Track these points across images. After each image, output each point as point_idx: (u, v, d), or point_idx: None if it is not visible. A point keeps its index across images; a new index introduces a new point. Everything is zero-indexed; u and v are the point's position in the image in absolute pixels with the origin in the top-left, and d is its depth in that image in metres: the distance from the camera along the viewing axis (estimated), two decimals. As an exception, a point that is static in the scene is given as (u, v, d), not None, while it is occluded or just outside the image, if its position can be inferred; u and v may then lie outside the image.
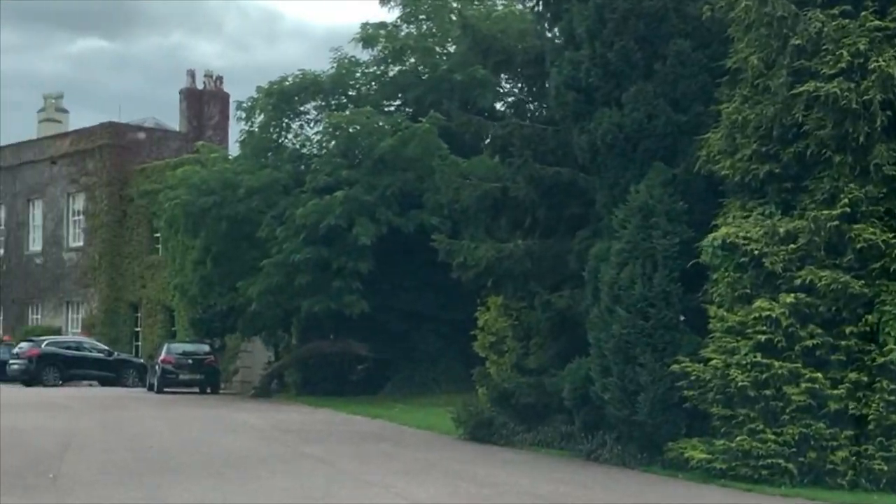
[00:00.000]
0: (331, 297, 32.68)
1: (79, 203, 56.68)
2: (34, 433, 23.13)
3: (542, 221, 21.52)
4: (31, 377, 45.96)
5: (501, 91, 32.53)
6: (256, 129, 36.64)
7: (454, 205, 23.04)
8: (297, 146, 36.71)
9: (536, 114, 22.83)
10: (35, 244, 59.33)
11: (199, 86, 57.36)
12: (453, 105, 28.95)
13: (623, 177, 18.32)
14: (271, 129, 36.75)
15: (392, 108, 36.77)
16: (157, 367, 40.37)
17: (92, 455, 19.08)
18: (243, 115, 36.76)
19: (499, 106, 32.75)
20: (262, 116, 36.60)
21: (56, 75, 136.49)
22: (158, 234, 52.79)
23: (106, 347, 48.31)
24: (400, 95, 36.78)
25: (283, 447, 19.90)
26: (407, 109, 36.10)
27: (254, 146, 36.18)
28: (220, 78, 57.64)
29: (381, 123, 33.49)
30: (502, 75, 24.56)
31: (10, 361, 46.80)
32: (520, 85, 23.48)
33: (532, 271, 21.35)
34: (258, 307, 34.50)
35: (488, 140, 23.48)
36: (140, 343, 53.49)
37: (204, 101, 56.90)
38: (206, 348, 41.54)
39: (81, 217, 56.25)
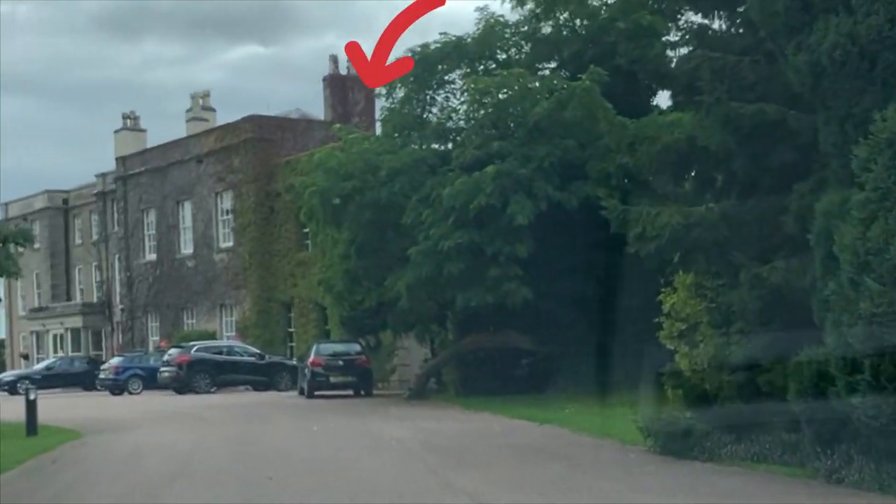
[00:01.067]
0: (487, 288, 28.32)
1: (226, 201, 53.76)
2: (152, 455, 19.84)
3: (740, 176, 16.79)
4: (181, 384, 43.03)
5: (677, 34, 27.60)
6: (397, 105, 32.56)
7: (628, 166, 18.40)
8: (443, 120, 32.41)
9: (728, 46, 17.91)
10: (186, 247, 56.72)
11: (343, 72, 53.78)
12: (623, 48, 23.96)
13: (858, 104, 13.48)
14: (414, 104, 32.61)
15: (546, 72, 32.20)
16: (306, 369, 36.76)
17: (199, 488, 15.25)
18: (383, 90, 32.73)
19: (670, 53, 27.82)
20: (403, 91, 32.50)
21: (214, 83, 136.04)
22: (307, 230, 49.47)
23: (257, 351, 45.06)
24: (556, 57, 32.19)
25: (429, 475, 15.57)
26: (564, 72, 31.47)
27: (395, 123, 32.09)
28: (364, 63, 53.90)
29: (535, 85, 29.01)
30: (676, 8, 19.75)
31: (161, 369, 44.01)
32: (700, 15, 18.67)
33: (731, 239, 16.60)
34: (408, 302, 30.40)
35: (659, 93, 18.70)
36: (294, 344, 50.19)
37: (348, 87, 53.26)
38: (357, 348, 37.72)
39: (230, 216, 53.31)
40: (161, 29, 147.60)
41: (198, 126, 58.89)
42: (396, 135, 31.95)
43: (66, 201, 70.88)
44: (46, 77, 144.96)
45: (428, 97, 32.55)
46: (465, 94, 30.94)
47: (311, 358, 36.66)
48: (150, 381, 45.40)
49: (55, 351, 66.71)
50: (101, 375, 48.11)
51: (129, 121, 66.28)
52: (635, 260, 18.94)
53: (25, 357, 69.91)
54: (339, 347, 37.82)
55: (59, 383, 54.61)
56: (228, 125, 53.71)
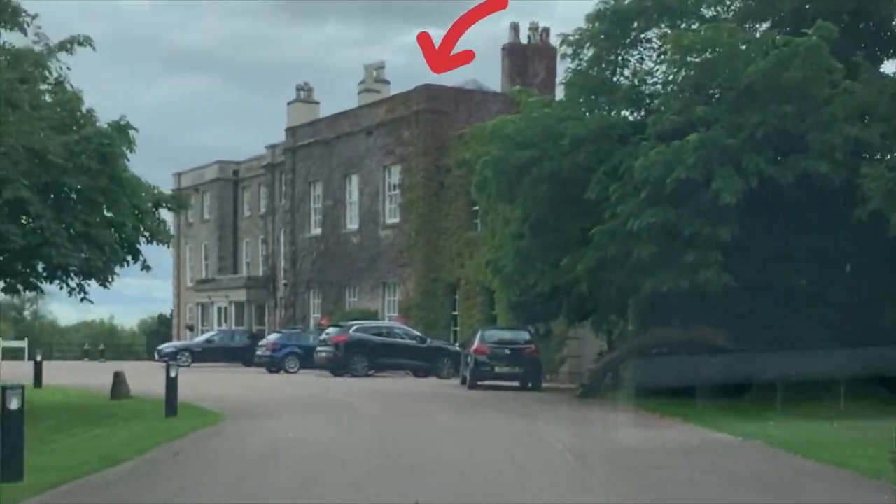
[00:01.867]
0: (682, 273, 24.09)
1: (395, 176, 50.61)
2: (286, 454, 16.91)
3: None
4: (338, 365, 40.04)
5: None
6: (584, 65, 28.53)
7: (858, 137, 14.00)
8: (636, 83, 28.21)
9: None
10: (352, 222, 53.84)
11: (524, 41, 49.96)
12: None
13: None
14: (603, 65, 28.54)
15: (759, 34, 27.67)
16: (469, 357, 33.16)
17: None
18: (569, 50, 28.73)
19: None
20: (591, 51, 28.47)
21: (391, 66, 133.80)
22: (477, 207, 45.91)
23: (418, 334, 41.74)
24: (771, 14, 27.65)
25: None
26: (779, 32, 26.88)
27: (581, 86, 28.07)
28: (545, 30, 49.98)
29: (748, 44, 24.64)
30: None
31: (318, 348, 41.11)
32: None
33: None
34: (587, 287, 26.43)
35: None
36: (458, 328, 46.72)
37: (528, 56, 49.42)
38: (526, 336, 33.93)
39: (397, 191, 50.13)
40: (341, 11, 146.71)
41: (370, 98, 55.85)
42: (581, 99, 27.96)
43: (236, 172, 69.12)
44: (229, 56, 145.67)
45: (619, 58, 28.41)
46: (665, 53, 26.63)
47: (476, 345, 33.03)
48: (308, 359, 42.58)
49: (219, 324, 64.97)
50: (259, 352, 45.58)
51: (302, 92, 63.92)
52: (861, 248, 14.59)
53: (190, 329, 68.49)
54: (507, 335, 34.11)
55: (218, 357, 52.54)
56: (400, 95, 50.49)
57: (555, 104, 28.46)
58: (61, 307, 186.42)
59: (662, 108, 25.70)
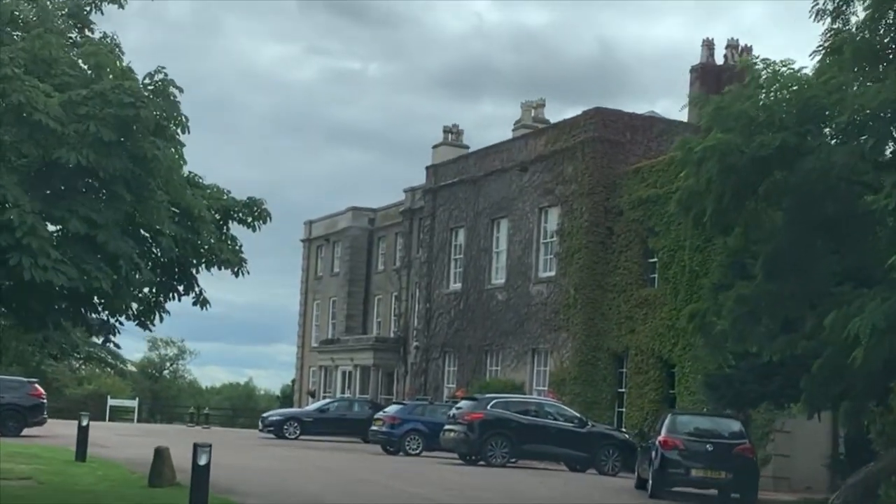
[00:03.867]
0: None
1: (552, 220, 40.98)
2: None
3: None
4: (470, 449, 30.41)
5: None
6: (853, 29, 18.56)
7: None
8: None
9: None
10: (497, 275, 44.31)
11: (719, 60, 40.07)
12: None
13: None
14: (881, 31, 18.52)
15: None
16: (653, 451, 23.02)
17: None
18: (828, 6, 18.82)
19: None
20: (863, 11, 18.52)
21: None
22: (655, 259, 35.91)
23: (577, 415, 31.74)
24: None
25: None
26: None
27: (854, 52, 18.02)
28: (746, 49, 39.96)
29: None
30: None
31: (446, 426, 31.47)
32: None
33: None
34: (865, 355, 16.17)
35: None
36: (623, 409, 36.58)
37: (723, 80, 39.38)
38: (736, 427, 23.54)
39: (554, 239, 40.45)
40: (498, 90, 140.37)
41: (525, 135, 46.55)
42: (856, 69, 17.92)
43: (371, 221, 60.45)
44: (387, 131, 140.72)
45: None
46: None
47: (663, 435, 22.86)
48: (434, 438, 33.03)
49: (343, 391, 56.01)
50: (374, 426, 36.16)
51: (450, 135, 55.09)
52: None
53: (312, 395, 59.65)
54: (706, 423, 23.84)
55: (332, 429, 43.36)
56: (565, 122, 40.83)
57: (814, 73, 18.33)
58: (206, 368, 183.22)
59: None
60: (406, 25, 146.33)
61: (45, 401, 37.82)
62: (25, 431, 35.30)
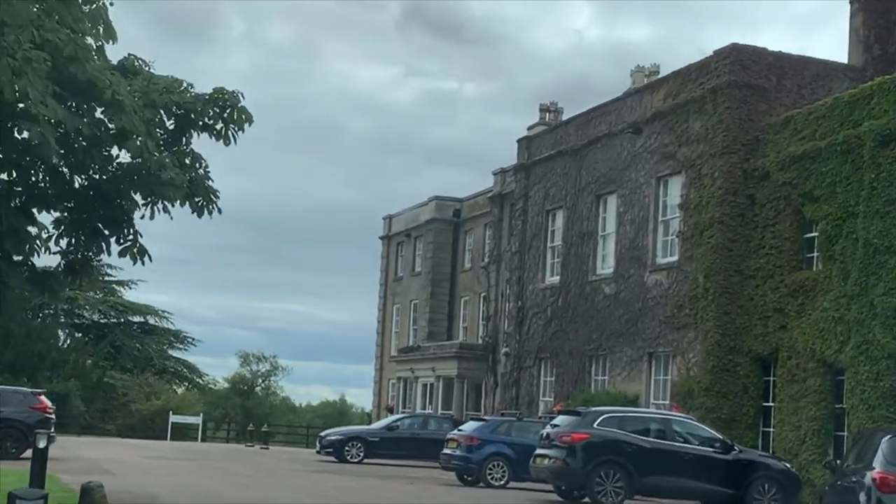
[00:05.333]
0: None
1: (673, 192, 32.65)
2: None
3: None
4: (571, 481, 22.33)
5: None
6: None
7: None
8: None
9: None
10: (604, 264, 36.05)
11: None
12: None
13: None
14: None
15: None
16: (862, 493, 14.54)
17: None
18: None
19: None
20: None
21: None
22: (814, 232, 27.41)
23: (717, 435, 23.32)
24: None
25: None
26: None
27: None
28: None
29: None
30: None
31: (538, 451, 23.30)
32: None
33: None
34: None
35: None
36: (771, 429, 28.02)
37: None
38: None
39: (677, 215, 32.10)
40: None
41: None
42: None
43: (457, 213, 52.57)
44: (484, 151, 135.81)
45: None
46: None
47: (879, 469, 14.45)
48: (524, 465, 24.87)
49: (424, 406, 48.21)
50: (446, 449, 28.01)
51: (548, 114, 47.06)
52: None
53: (390, 411, 51.88)
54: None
55: (403, 451, 35.67)
56: (689, 68, 32.19)
57: None
58: (312, 387, 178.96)
59: None
60: (503, 44, 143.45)
61: (51, 415, 30.70)
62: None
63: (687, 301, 30.81)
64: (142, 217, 13.17)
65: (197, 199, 13.26)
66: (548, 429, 23.19)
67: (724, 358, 29.18)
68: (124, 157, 12.79)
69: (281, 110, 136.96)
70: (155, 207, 12.94)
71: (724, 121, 30.12)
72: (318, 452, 36.49)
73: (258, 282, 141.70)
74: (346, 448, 35.57)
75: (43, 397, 31.17)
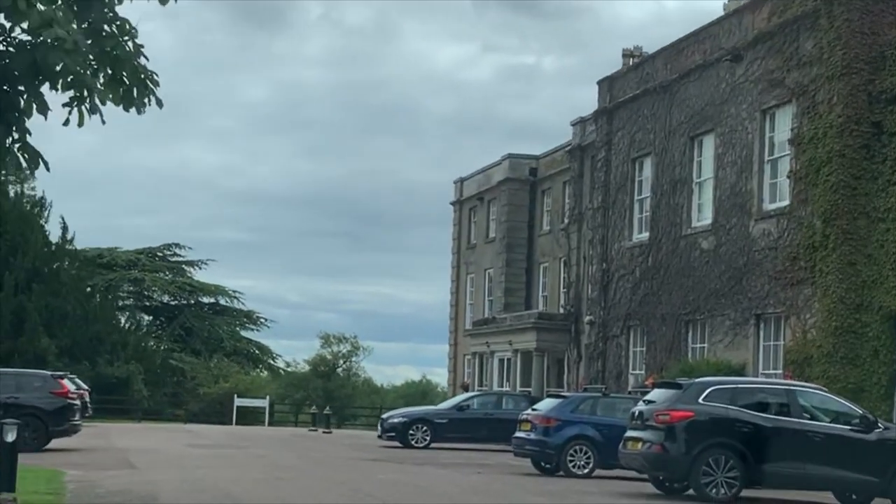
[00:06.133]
0: None
1: (782, 125, 27.90)
2: None
3: None
4: (671, 470, 17.95)
5: None
6: None
7: None
8: None
9: None
10: (701, 215, 31.44)
11: None
12: None
13: None
14: None
15: None
16: None
17: None
18: None
19: None
20: None
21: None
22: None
23: (856, 409, 18.67)
24: None
25: None
26: None
27: None
28: None
29: None
30: None
31: (628, 433, 18.84)
32: None
33: None
34: None
35: None
36: (914, 402, 23.31)
37: None
38: None
39: (787, 151, 27.36)
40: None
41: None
42: None
43: (533, 171, 48.15)
44: (565, 126, 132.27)
45: None
46: None
47: None
48: (612, 450, 20.43)
49: (501, 383, 44.05)
50: (519, 432, 23.60)
51: (632, 59, 42.26)
52: None
53: (466, 389, 47.71)
54: None
55: (473, 434, 31.59)
56: (795, -22, 27.60)
57: None
58: (398, 367, 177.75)
59: None
60: (582, 16, 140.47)
61: (73, 401, 27.14)
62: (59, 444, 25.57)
63: (802, 252, 26.12)
64: (65, 123, 9.23)
65: (123, 87, 9.23)
66: (640, 406, 18.77)
67: (850, 317, 24.51)
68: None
69: (359, 93, 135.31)
70: (82, 107, 9.04)
71: (842, 36, 25.32)
72: (380, 437, 32.53)
73: (342, 265, 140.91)
74: (411, 431, 31.52)
75: (65, 381, 27.60)
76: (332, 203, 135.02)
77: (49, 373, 27.89)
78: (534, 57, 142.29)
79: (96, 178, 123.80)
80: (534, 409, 23.85)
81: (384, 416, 33.85)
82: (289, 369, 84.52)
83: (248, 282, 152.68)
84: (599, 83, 37.57)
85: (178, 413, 64.97)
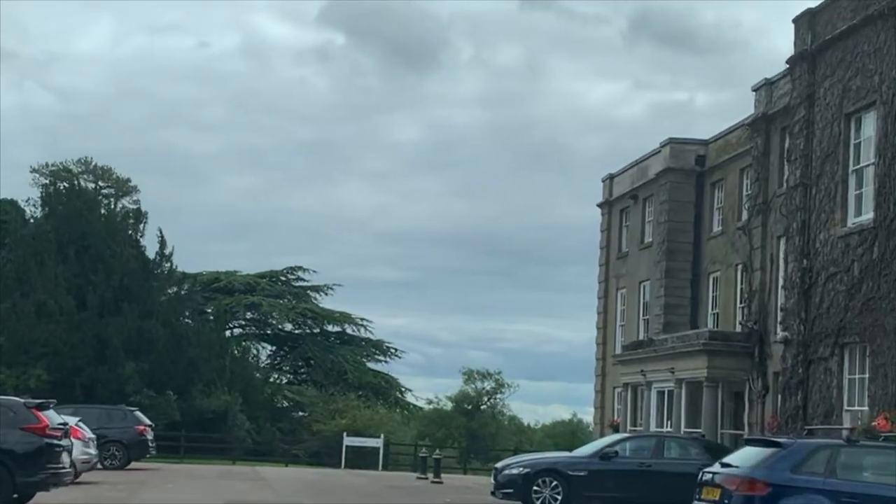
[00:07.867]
0: None
1: None
2: None
3: None
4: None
5: None
6: None
7: None
8: None
9: None
10: (862, 207, 21.93)
11: None
12: None
13: None
14: None
15: None
16: None
17: None
18: None
19: None
20: None
21: None
22: None
23: None
24: None
25: None
26: None
27: None
28: None
29: None
30: None
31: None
32: None
33: None
34: None
35: None
36: None
37: None
38: None
39: None
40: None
41: None
42: None
43: (700, 160, 38.74)
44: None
45: None
46: None
47: None
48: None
49: (661, 423, 34.78)
50: (698, 502, 14.44)
51: None
52: None
53: (615, 428, 38.52)
54: None
55: (625, 491, 22.59)
56: None
57: None
58: (550, 407, 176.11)
59: None
60: (736, 50, 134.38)
61: (53, 440, 19.55)
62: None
63: None
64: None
65: None
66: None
67: None
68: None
69: (510, 132, 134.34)
70: None
71: None
72: (493, 493, 23.68)
73: (494, 303, 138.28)
74: (535, 488, 22.61)
75: (49, 412, 19.99)
76: (484, 241, 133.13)
77: (22, 400, 20.06)
78: (686, 94, 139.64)
79: (252, 220, 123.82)
80: (725, 465, 14.57)
81: (499, 464, 24.75)
82: (430, 406, 78.39)
83: (401, 320, 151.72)
84: (796, 21, 28.15)
85: (295, 452, 57.71)
